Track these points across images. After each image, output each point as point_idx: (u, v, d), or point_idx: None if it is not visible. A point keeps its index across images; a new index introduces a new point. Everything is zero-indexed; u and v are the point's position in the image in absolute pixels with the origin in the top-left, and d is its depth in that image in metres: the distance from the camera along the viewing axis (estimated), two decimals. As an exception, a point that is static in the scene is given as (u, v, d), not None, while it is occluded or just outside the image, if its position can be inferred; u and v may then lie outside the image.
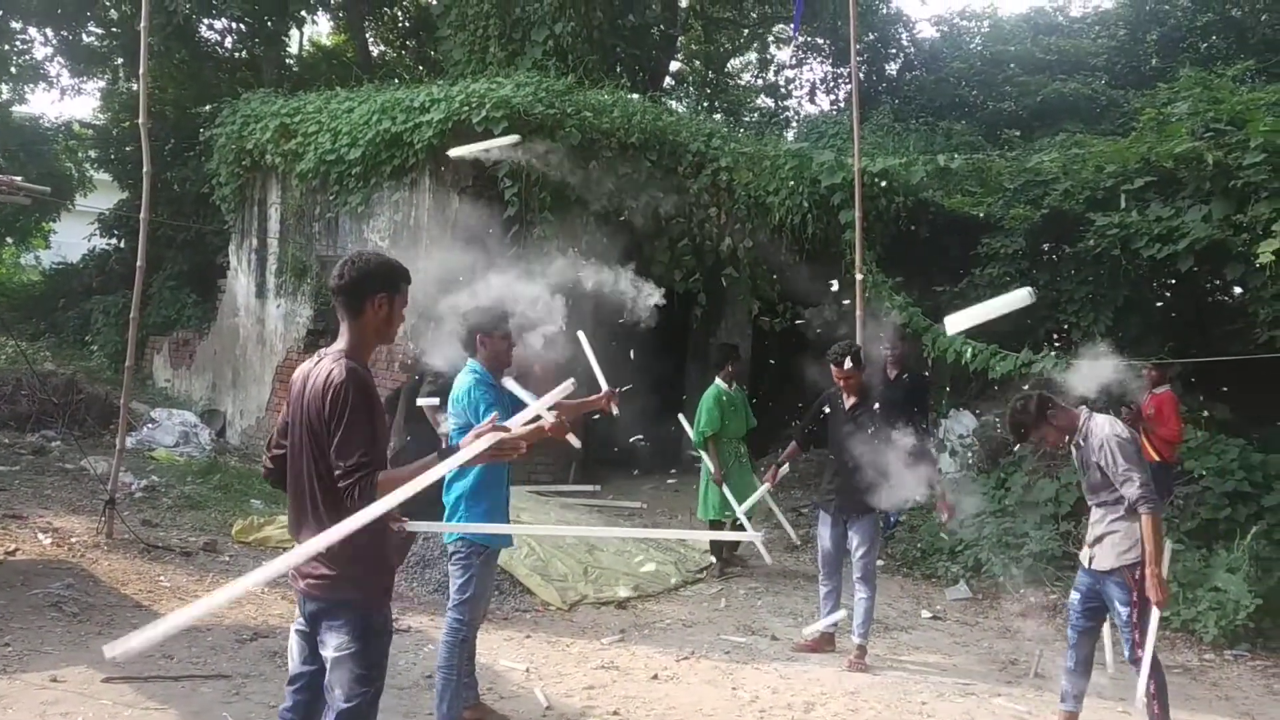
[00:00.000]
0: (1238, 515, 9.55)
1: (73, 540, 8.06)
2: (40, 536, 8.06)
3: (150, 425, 12.49)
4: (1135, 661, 5.26)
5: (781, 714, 5.80)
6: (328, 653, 3.41)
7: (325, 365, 3.35)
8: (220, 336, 14.64)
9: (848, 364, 6.68)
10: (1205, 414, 11.28)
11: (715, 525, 9.00)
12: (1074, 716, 5.54)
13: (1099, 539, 5.36)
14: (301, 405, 3.38)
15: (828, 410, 6.98)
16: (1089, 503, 5.47)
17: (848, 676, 6.51)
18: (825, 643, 7.02)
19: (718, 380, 9.15)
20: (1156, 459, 9.42)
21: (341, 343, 3.43)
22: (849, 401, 6.81)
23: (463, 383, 5.09)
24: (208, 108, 16.69)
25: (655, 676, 6.32)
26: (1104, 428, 5.28)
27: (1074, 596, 5.59)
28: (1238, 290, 12.86)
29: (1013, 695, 6.38)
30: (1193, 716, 6.23)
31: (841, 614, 6.93)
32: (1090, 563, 5.41)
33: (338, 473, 3.21)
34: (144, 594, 7.04)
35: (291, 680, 3.59)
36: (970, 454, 11.17)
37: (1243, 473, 9.93)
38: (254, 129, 13.09)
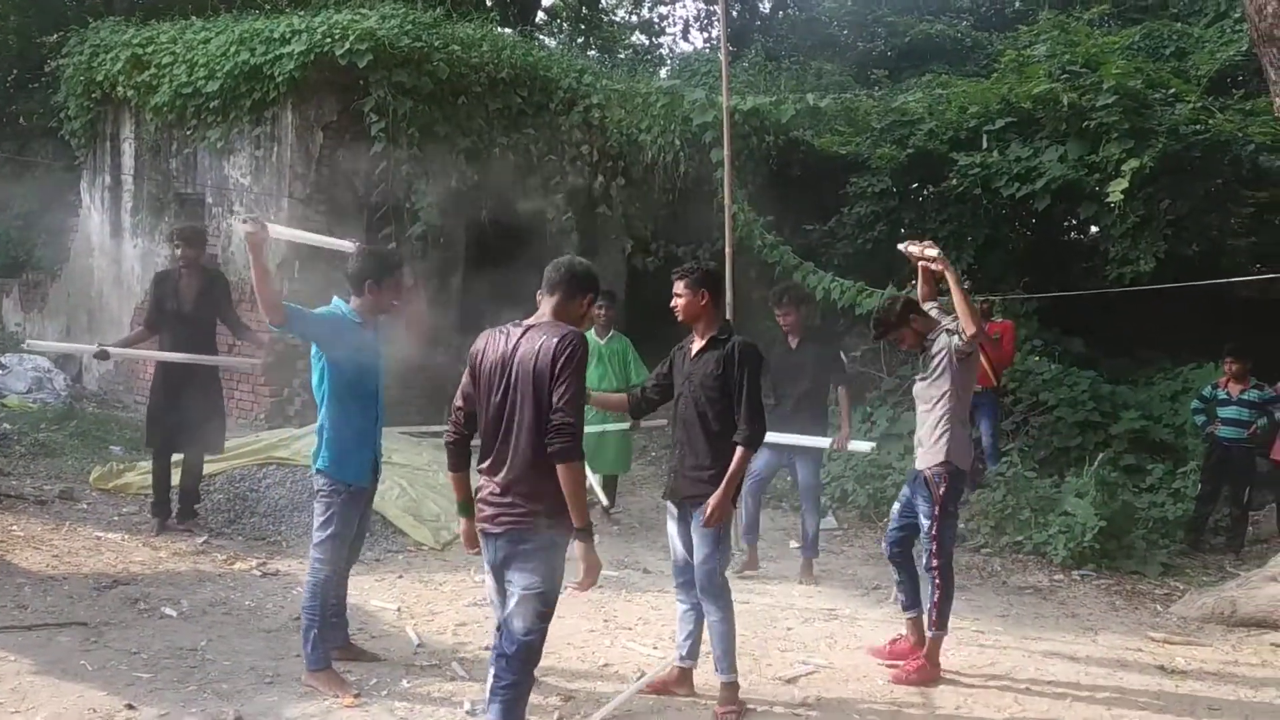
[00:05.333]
0: (1087, 443, 10.07)
1: (-84, 491, 7.70)
2: (-121, 488, 7.69)
3: (1, 371, 11.93)
4: (930, 569, 5.55)
5: (651, 643, 5.91)
6: (515, 589, 3.93)
7: (543, 332, 3.93)
8: (74, 278, 14.01)
9: (681, 285, 5.04)
10: (1059, 348, 11.78)
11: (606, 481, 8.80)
12: (919, 621, 5.75)
13: (920, 441, 5.67)
14: (517, 363, 3.92)
15: (675, 355, 5.22)
16: (919, 411, 5.73)
17: (717, 606, 6.64)
18: (681, 681, 5.20)
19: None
20: (992, 383, 9.87)
21: (549, 316, 4.03)
22: (694, 346, 5.08)
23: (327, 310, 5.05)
24: (55, 36, 15.79)
25: (528, 612, 6.36)
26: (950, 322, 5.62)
27: (895, 506, 5.91)
28: (1093, 229, 13.40)
29: (874, 619, 6.61)
30: (1042, 633, 6.57)
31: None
32: (911, 475, 5.79)
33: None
34: (-5, 544, 6.78)
35: (500, 628, 4.06)
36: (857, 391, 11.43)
37: (1092, 403, 10.45)
38: (104, 59, 12.43)
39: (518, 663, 3.95)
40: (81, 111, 13.12)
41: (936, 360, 5.57)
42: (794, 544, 8.26)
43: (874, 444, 8.07)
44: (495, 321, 4.39)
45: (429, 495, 8.23)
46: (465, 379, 4.14)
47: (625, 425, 8.07)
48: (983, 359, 9.81)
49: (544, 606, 3.95)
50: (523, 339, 3.97)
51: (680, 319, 5.09)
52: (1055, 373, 10.77)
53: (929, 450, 5.54)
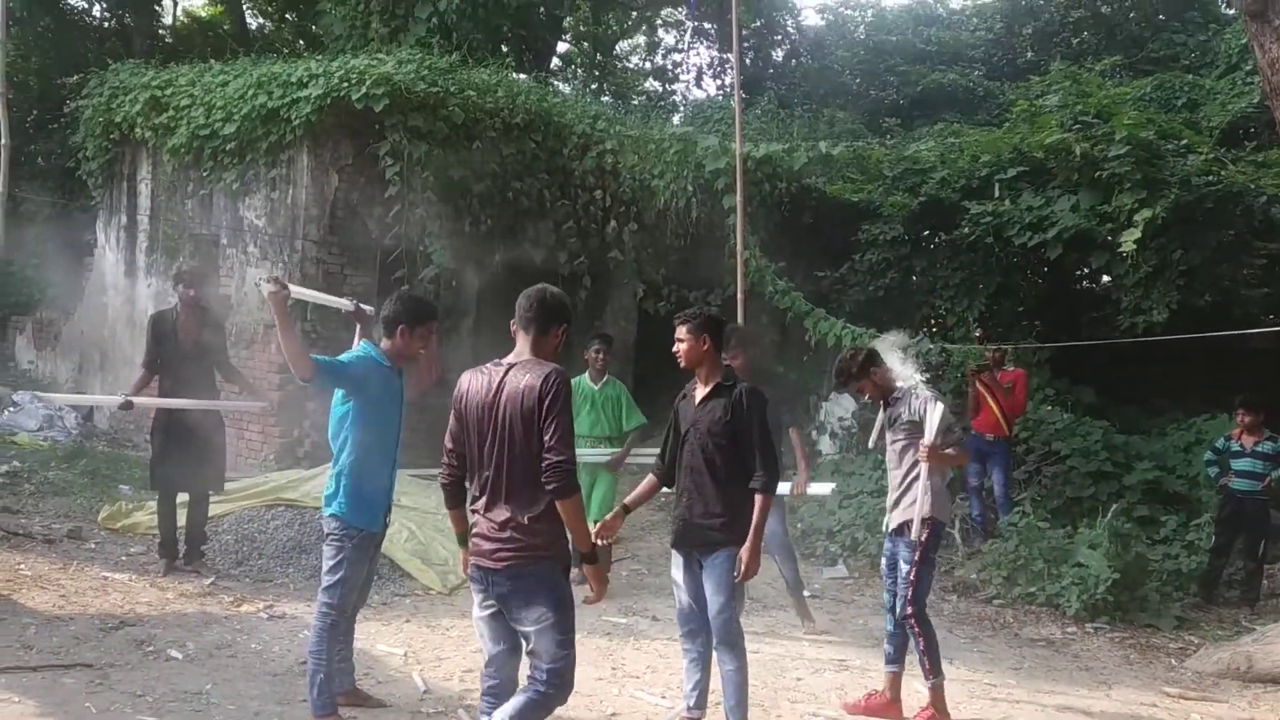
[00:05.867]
0: (1100, 494, 9.98)
1: (-76, 529, 7.69)
2: (-112, 525, 7.68)
3: (12, 409, 11.94)
4: (905, 619, 5.53)
5: (659, 691, 5.85)
6: (527, 627, 3.97)
7: (526, 371, 3.99)
8: (88, 316, 14.08)
9: (683, 330, 5.03)
10: (1071, 397, 11.73)
11: None
12: (898, 677, 5.76)
13: (895, 503, 5.66)
14: (503, 403, 3.98)
15: (679, 402, 5.21)
16: (890, 470, 5.78)
17: (726, 655, 6.58)
18: None
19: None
20: (1004, 432, 9.88)
21: (528, 353, 4.08)
22: (698, 392, 5.07)
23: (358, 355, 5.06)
24: (74, 78, 15.99)
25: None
26: (925, 390, 5.64)
27: (883, 563, 5.87)
28: (1105, 279, 13.40)
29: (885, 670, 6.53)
30: (1055, 687, 6.49)
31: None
32: (887, 528, 5.75)
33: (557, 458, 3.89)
34: (2, 583, 6.74)
35: (489, 663, 4.14)
36: (851, 436, 11.40)
37: (1105, 453, 10.37)
38: (123, 101, 12.58)
39: (552, 689, 3.97)
40: (99, 152, 13.25)
41: (903, 424, 5.61)
42: (806, 593, 8.20)
43: (834, 485, 8.05)
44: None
45: (437, 539, 8.19)
46: (452, 421, 4.17)
47: (605, 457, 7.91)
48: (995, 408, 9.87)
49: (561, 634, 3.97)
50: (506, 378, 4.02)
51: (683, 364, 5.06)
52: (1067, 422, 10.72)
53: (908, 508, 5.55)
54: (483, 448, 4.05)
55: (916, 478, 5.53)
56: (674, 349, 5.06)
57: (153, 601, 6.77)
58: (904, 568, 5.56)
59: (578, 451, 7.11)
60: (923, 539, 5.47)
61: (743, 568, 4.81)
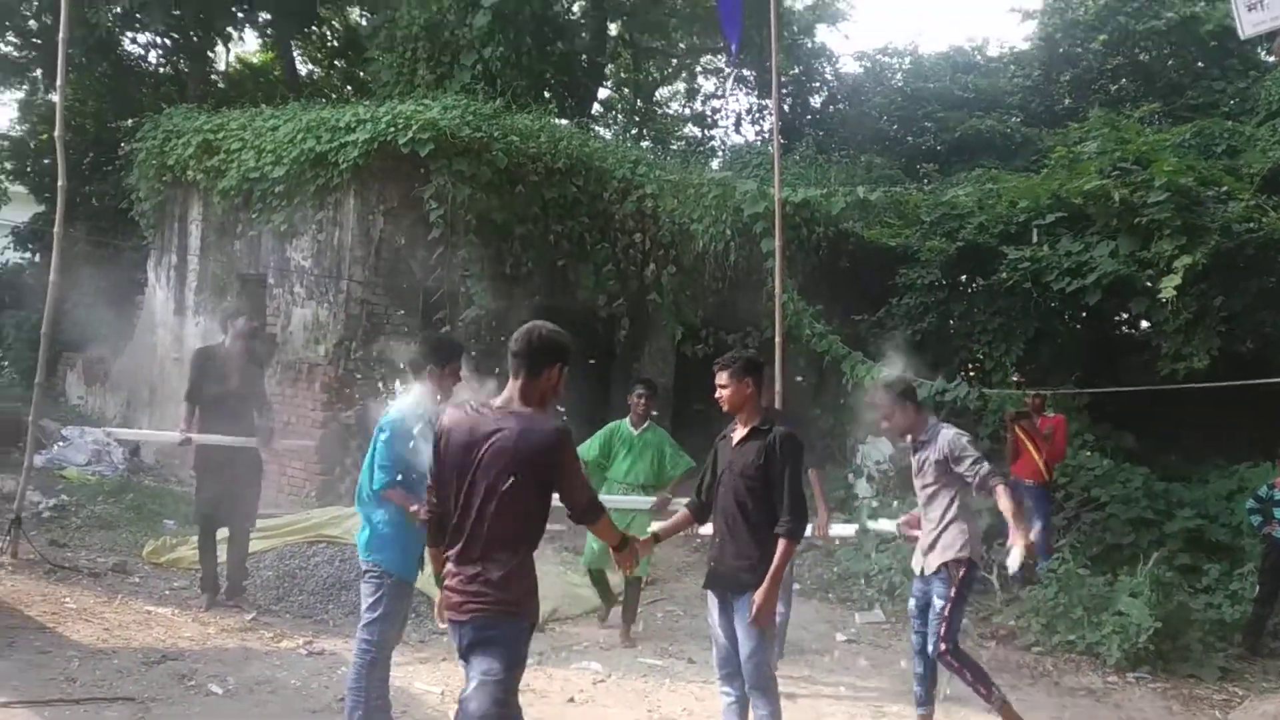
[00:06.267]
0: (1140, 541, 9.88)
1: (-25, 560, 7.86)
2: (-60, 556, 7.85)
3: (61, 443, 12.19)
4: (940, 655, 5.56)
5: (695, 735, 5.86)
6: (473, 675, 3.84)
7: (520, 424, 3.81)
8: (136, 354, 14.37)
9: (724, 375, 5.04)
10: (1111, 443, 11.64)
11: (595, 576, 7.98)
12: (929, 718, 5.82)
13: (931, 545, 5.69)
14: (488, 454, 3.79)
15: (719, 443, 5.20)
16: (922, 513, 5.82)
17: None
18: None
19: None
20: (1043, 478, 9.83)
21: (517, 400, 3.89)
22: (737, 434, 5.07)
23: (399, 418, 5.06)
24: (129, 122, 16.43)
25: (571, 699, 6.33)
26: (951, 430, 5.72)
27: (911, 605, 5.92)
28: (1144, 324, 13.32)
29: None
30: (1094, 736, 6.41)
31: None
32: (923, 571, 5.76)
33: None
34: (48, 615, 6.87)
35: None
36: (888, 479, 11.37)
37: (1146, 500, 10.27)
38: (176, 144, 12.91)
39: None
40: (152, 194, 13.58)
41: (932, 465, 5.69)
42: (840, 636, 8.18)
43: (856, 527, 7.99)
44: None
45: (475, 577, 8.22)
46: (431, 459, 4.05)
47: (647, 505, 7.46)
48: (1034, 454, 9.82)
49: (502, 694, 3.82)
50: (496, 429, 3.82)
51: (725, 409, 5.07)
52: (1107, 468, 10.64)
53: (944, 550, 5.60)
54: (459, 494, 3.86)
55: (952, 520, 5.57)
56: (716, 394, 5.07)
57: (195, 636, 6.87)
58: (938, 604, 5.59)
59: (614, 498, 7.15)
60: (959, 576, 5.53)
61: (753, 610, 4.76)
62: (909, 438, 5.86)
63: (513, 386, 3.90)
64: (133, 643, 6.58)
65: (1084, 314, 13.54)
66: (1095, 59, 20.91)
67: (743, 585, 4.84)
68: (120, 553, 8.73)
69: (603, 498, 6.90)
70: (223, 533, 7.67)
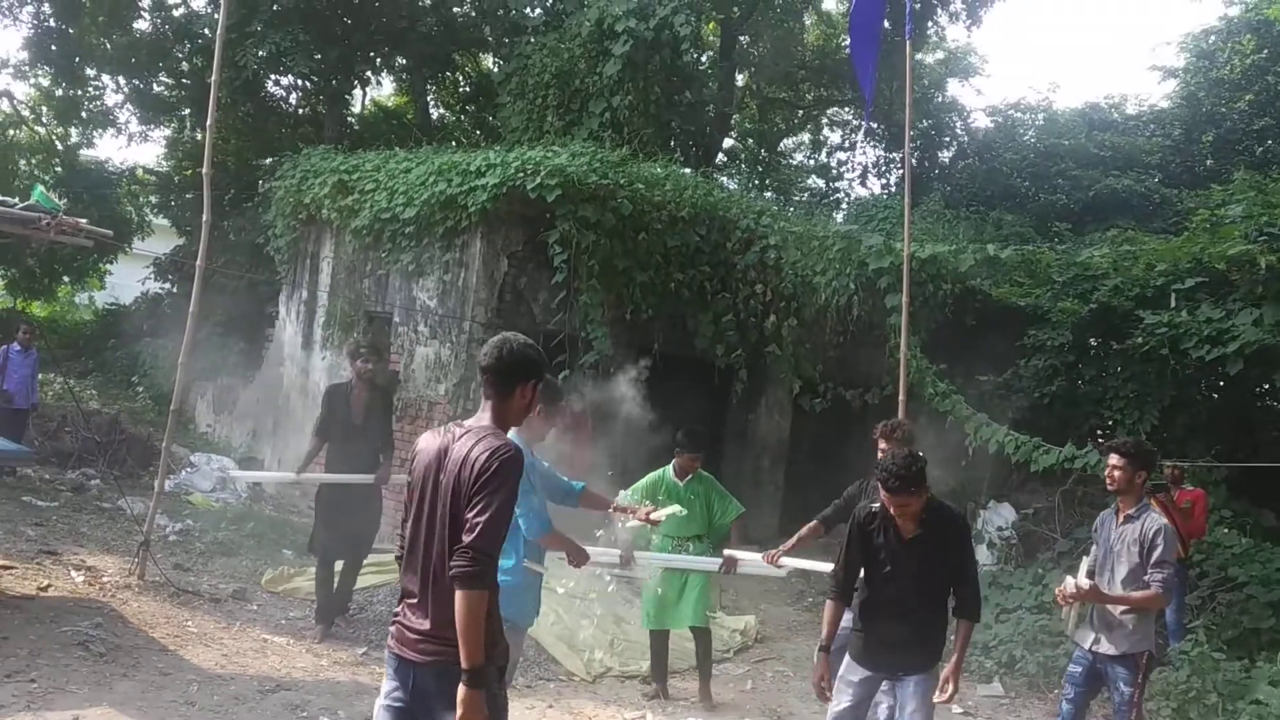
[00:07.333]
0: (1281, 627, 9.33)
1: (104, 580, 8.11)
2: (73, 574, 8.12)
3: (189, 469, 12.58)
4: None
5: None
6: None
7: (474, 438, 3.40)
8: (264, 385, 14.80)
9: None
10: (1250, 520, 11.08)
11: (656, 636, 7.39)
12: None
13: (1108, 625, 5.61)
14: (444, 478, 3.41)
15: (871, 532, 5.06)
16: (1106, 586, 5.65)
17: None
18: None
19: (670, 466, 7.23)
20: (1181, 555, 9.36)
21: (488, 418, 3.51)
22: (908, 530, 4.94)
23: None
24: (269, 161, 17.07)
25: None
26: (1162, 519, 5.59)
27: (1075, 669, 5.81)
28: (1289, 396, 12.70)
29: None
30: (1231, 835, 6.03)
31: None
32: (1096, 645, 5.65)
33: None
34: (171, 638, 7.05)
35: None
36: (1010, 547, 11.00)
37: (1288, 583, 9.71)
38: (312, 184, 13.33)
39: None
40: (288, 230, 14.03)
41: (1129, 546, 5.60)
42: (957, 709, 7.88)
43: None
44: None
45: (582, 624, 8.20)
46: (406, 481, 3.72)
47: (715, 564, 6.88)
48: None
49: None
50: (454, 446, 3.44)
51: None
52: (1246, 547, 10.10)
53: (1133, 638, 5.56)
54: (418, 521, 3.47)
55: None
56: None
57: (308, 667, 6.95)
58: (1125, 691, 5.57)
59: (676, 557, 6.96)
60: (1144, 665, 5.56)
61: (950, 690, 4.96)
62: (1119, 510, 5.74)
63: (485, 404, 3.56)
64: (249, 670, 6.70)
65: (1222, 383, 12.97)
66: (1240, 119, 20.24)
67: (929, 661, 5.05)
68: (240, 579, 8.94)
69: (665, 557, 6.89)
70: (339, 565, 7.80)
